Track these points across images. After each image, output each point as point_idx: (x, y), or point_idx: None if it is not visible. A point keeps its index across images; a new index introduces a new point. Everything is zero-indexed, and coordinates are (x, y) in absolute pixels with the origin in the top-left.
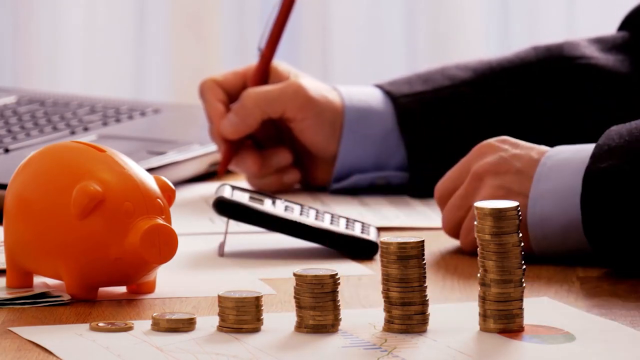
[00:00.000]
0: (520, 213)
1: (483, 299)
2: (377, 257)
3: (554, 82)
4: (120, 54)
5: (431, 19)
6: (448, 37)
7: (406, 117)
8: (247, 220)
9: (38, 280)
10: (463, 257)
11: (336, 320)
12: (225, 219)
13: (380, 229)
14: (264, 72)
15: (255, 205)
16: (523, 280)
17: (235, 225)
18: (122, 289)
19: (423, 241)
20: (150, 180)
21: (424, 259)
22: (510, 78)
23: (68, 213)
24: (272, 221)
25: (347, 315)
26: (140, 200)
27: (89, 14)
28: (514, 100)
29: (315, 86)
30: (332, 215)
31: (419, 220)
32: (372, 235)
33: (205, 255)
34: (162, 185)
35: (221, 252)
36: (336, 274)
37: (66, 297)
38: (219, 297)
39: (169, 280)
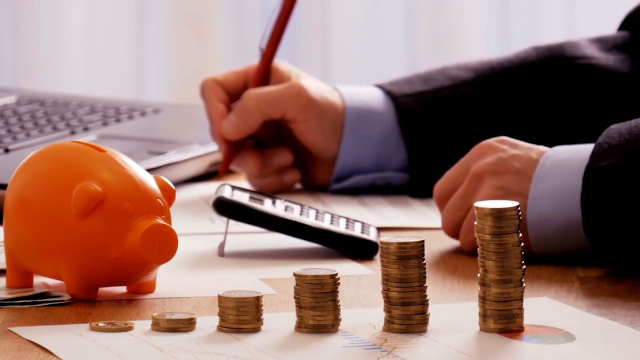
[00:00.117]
0: (520, 213)
1: (483, 299)
2: (377, 257)
3: (555, 82)
4: (120, 54)
5: (431, 19)
6: (448, 37)
7: (407, 117)
8: (247, 220)
9: (38, 280)
10: (463, 257)
11: (336, 320)
12: (225, 219)
13: (380, 229)
14: (265, 72)
15: (255, 205)
16: (523, 280)
17: (235, 225)
18: (122, 289)
19: (423, 241)
20: (150, 180)
21: (424, 259)
22: (511, 78)
23: (68, 213)
24: (272, 221)
25: (347, 315)
26: (140, 200)
27: (89, 14)
28: (515, 101)
29: (316, 87)
30: (332, 215)
31: (419, 220)
32: (372, 235)
33: (205, 255)
34: (162, 185)
35: (221, 252)
36: (336, 274)
37: (66, 297)
38: (219, 297)
39: (169, 280)
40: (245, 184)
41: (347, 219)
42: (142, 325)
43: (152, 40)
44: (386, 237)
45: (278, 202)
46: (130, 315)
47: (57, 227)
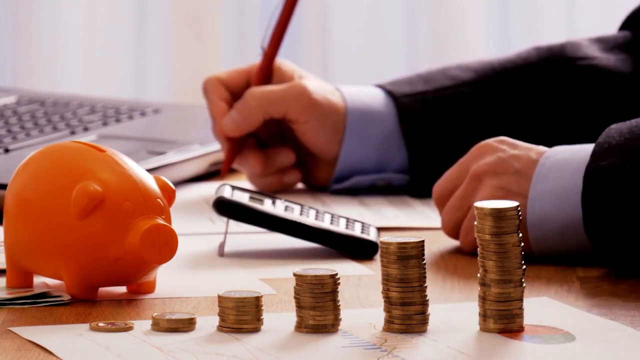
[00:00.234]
0: (520, 213)
1: (483, 299)
2: (377, 257)
3: (556, 83)
4: (120, 54)
5: (431, 19)
6: (448, 37)
7: (407, 117)
8: (247, 220)
9: (38, 280)
10: (463, 257)
11: (336, 320)
12: (225, 219)
13: (380, 229)
14: (267, 71)
15: (255, 205)
16: (523, 280)
17: (235, 225)
18: (122, 289)
19: (423, 241)
20: (150, 180)
21: (424, 259)
22: (512, 79)
23: (68, 213)
24: (272, 221)
25: (347, 315)
26: (140, 200)
27: (89, 14)
28: (516, 101)
29: (318, 88)
30: (332, 215)
31: (419, 220)
32: (372, 235)
33: (205, 255)
34: (162, 185)
35: (221, 252)
36: (336, 274)
37: (66, 297)
38: (219, 297)
39: (169, 280)
40: (246, 184)
41: (347, 219)
42: (142, 325)
43: (152, 40)
44: (386, 237)
45: (278, 202)
46: (130, 315)
47: (57, 227)
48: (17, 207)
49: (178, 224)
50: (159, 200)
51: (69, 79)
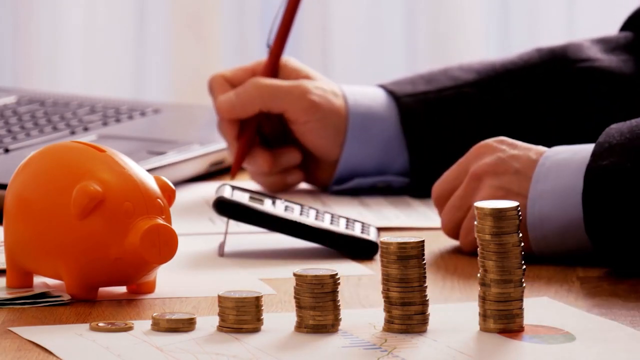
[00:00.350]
0: (520, 213)
1: (483, 299)
2: (377, 257)
3: (557, 85)
4: (120, 54)
5: (431, 19)
6: (448, 37)
7: (409, 117)
8: (247, 220)
9: (38, 280)
10: (463, 257)
11: (336, 320)
12: (225, 219)
13: (380, 229)
14: (273, 69)
15: (255, 205)
16: (523, 280)
17: (235, 225)
18: (122, 289)
19: (423, 241)
20: (150, 180)
21: (424, 259)
22: (514, 80)
23: (68, 213)
24: (272, 221)
25: (347, 315)
26: (140, 200)
27: (89, 14)
28: (517, 102)
29: (321, 90)
30: (332, 215)
31: (419, 221)
32: (372, 235)
33: (205, 255)
34: (162, 185)
35: (221, 252)
36: (336, 274)
37: (66, 297)
38: (219, 297)
39: (169, 280)
40: (246, 184)
41: (347, 219)
42: (142, 325)
43: (152, 40)
44: (386, 237)
45: (278, 202)
46: (130, 315)
47: (57, 227)
48: (17, 207)
49: (178, 224)
50: (159, 200)
51: (69, 79)
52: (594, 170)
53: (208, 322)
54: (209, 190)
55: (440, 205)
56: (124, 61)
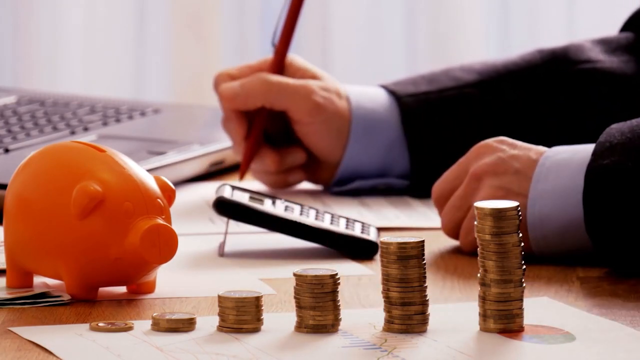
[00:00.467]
0: (520, 213)
1: (483, 299)
2: (377, 257)
3: (559, 86)
4: (120, 54)
5: (431, 19)
6: (448, 37)
7: (410, 117)
8: (247, 220)
9: (38, 280)
10: (463, 257)
11: (336, 320)
12: (225, 219)
13: (380, 229)
14: (279, 67)
15: (255, 205)
16: (523, 280)
17: (235, 225)
18: (122, 289)
19: (423, 241)
20: (150, 180)
21: (424, 259)
22: (515, 81)
23: (68, 213)
24: (272, 221)
25: (347, 315)
26: (140, 200)
27: (89, 14)
28: (519, 103)
29: (326, 92)
30: (332, 215)
31: (419, 221)
32: (372, 235)
33: (205, 255)
34: (162, 185)
35: (221, 252)
36: (336, 274)
37: (66, 297)
38: (219, 297)
39: (169, 280)
40: (245, 184)
41: (347, 219)
42: (142, 325)
43: (152, 40)
44: (386, 237)
45: (278, 202)
46: (130, 315)
47: (57, 227)
48: (17, 207)
49: (178, 224)
50: (159, 200)
51: (69, 79)
52: (594, 169)
53: (208, 322)
54: (209, 190)
55: (440, 205)
56: (124, 61)
